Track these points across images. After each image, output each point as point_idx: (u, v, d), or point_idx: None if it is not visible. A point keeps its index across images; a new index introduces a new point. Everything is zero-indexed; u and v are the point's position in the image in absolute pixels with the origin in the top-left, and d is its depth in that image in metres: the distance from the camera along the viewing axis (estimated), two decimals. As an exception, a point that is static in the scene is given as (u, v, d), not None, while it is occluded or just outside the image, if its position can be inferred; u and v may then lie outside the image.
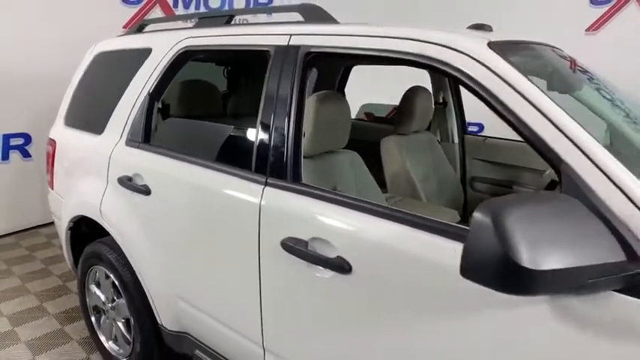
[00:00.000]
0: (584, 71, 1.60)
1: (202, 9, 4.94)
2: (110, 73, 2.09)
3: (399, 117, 2.18)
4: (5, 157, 3.84)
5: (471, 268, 0.73)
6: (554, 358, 0.86)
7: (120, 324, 2.05)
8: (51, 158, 2.34)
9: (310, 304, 1.23)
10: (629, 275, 0.76)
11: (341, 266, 1.12)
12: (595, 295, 0.80)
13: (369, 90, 3.33)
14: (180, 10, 4.83)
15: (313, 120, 1.52)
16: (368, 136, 2.31)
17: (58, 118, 2.38)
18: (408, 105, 2.14)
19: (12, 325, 2.55)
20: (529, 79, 0.97)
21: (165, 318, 1.78)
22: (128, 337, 2.02)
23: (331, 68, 2.91)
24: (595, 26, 4.43)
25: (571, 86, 1.51)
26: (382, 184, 2.21)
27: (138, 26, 2.20)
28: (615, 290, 0.79)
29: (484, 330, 0.94)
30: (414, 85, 2.22)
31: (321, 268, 1.16)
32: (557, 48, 1.65)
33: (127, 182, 1.77)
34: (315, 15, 1.49)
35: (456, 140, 2.46)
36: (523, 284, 0.70)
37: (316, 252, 1.17)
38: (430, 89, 2.38)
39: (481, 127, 5.44)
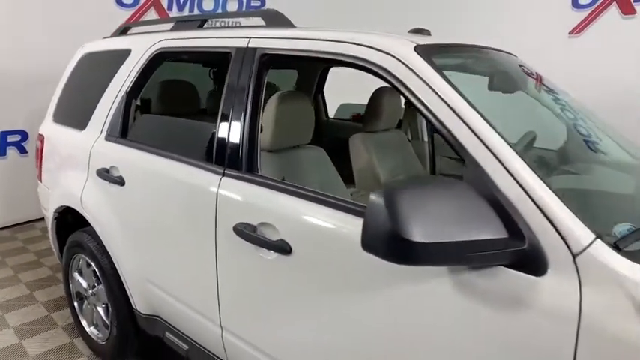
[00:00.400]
0: (529, 74, 1.70)
1: (196, 11, 5.08)
2: (94, 73, 2.21)
3: (367, 115, 2.29)
4: (2, 153, 3.98)
5: (368, 243, 0.84)
6: (457, 326, 0.96)
7: (100, 309, 2.17)
8: (40, 153, 2.47)
9: (258, 284, 1.35)
10: (512, 251, 0.87)
11: (283, 248, 1.23)
12: (488, 270, 0.91)
13: (351, 90, 3.44)
14: (174, 12, 4.96)
15: (274, 117, 1.63)
16: (344, 134, 2.43)
17: (48, 114, 2.51)
18: (376, 104, 2.25)
19: (2, 311, 2.67)
20: (446, 80, 1.08)
21: (139, 302, 1.90)
22: (107, 321, 2.13)
23: (310, 70, 3.03)
24: (578, 29, 4.52)
25: (513, 86, 1.61)
26: (352, 179, 2.32)
27: (122, 29, 2.33)
28: (504, 265, 0.90)
29: (403, 303, 1.05)
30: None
31: (266, 250, 1.28)
32: (504, 51, 1.75)
33: (104, 174, 1.89)
34: (275, 20, 1.61)
35: (426, 139, 2.57)
36: (409, 255, 0.81)
37: (263, 236, 1.28)
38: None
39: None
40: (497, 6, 4.81)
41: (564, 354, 0.82)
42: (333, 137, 2.68)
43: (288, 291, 1.27)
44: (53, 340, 2.41)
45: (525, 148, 1.42)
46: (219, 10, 5.19)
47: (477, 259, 0.86)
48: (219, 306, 1.48)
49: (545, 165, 1.33)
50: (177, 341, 1.79)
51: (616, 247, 0.84)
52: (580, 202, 1.01)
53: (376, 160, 2.24)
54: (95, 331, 2.26)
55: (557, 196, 0.88)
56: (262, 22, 1.65)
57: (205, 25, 1.96)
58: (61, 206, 2.22)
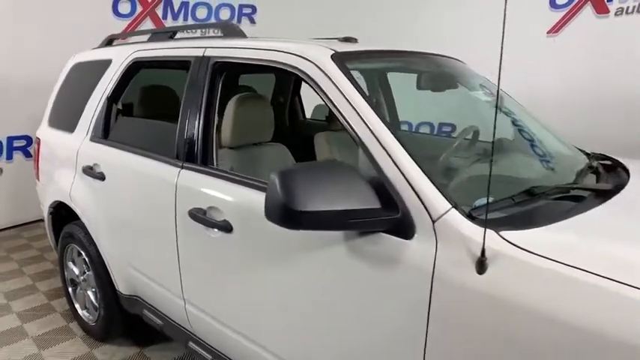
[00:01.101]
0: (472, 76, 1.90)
1: (189, 19, 5.34)
2: (82, 81, 2.45)
3: (330, 115, 2.49)
4: (9, 157, 4.27)
5: (268, 213, 1.05)
6: (352, 281, 1.16)
7: (90, 293, 2.41)
8: (37, 154, 2.73)
9: (208, 259, 1.57)
10: (387, 220, 1.07)
11: (226, 227, 1.45)
12: (372, 236, 1.12)
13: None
14: (169, 21, 5.22)
15: (232, 118, 1.84)
16: (317, 132, 2.63)
17: (44, 119, 2.77)
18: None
19: (7, 299, 2.94)
20: (351, 82, 1.28)
21: (121, 284, 2.13)
22: (96, 304, 2.37)
23: (286, 75, 3.24)
24: (555, 29, 4.66)
25: (442, 86, 1.81)
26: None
27: (107, 40, 2.57)
28: (383, 231, 1.10)
29: (314, 267, 1.25)
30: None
31: (213, 230, 1.50)
32: (446, 55, 1.95)
33: (88, 171, 2.13)
34: (231, 32, 1.83)
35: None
36: (296, 222, 1.01)
37: (211, 218, 1.50)
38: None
39: (453, 127, 5.72)
40: (477, 7, 4.98)
41: (423, 298, 1.01)
42: (308, 136, 2.88)
43: (230, 263, 1.49)
44: (51, 323, 2.66)
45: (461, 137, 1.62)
46: (212, 18, 5.44)
47: (356, 226, 1.06)
48: (181, 281, 1.71)
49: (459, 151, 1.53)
50: (153, 318, 2.02)
51: (470, 215, 1.04)
52: (450, 181, 1.20)
53: (337, 155, 2.43)
54: (86, 314, 2.50)
55: (426, 175, 1.09)
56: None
57: (179, 36, 2.20)
58: (55, 201, 2.46)
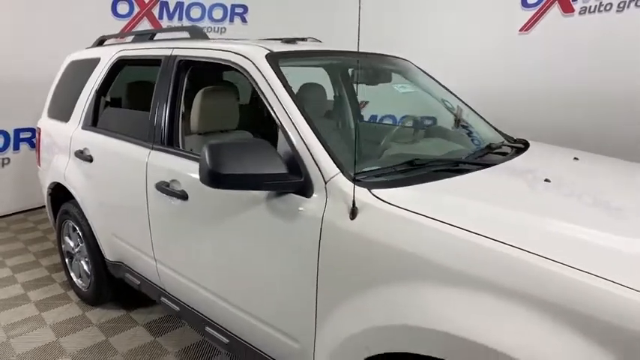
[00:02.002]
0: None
1: (184, 19, 5.67)
2: (76, 77, 2.79)
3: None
4: (16, 147, 4.64)
5: (201, 178, 1.36)
6: (271, 233, 1.48)
7: (83, 263, 2.76)
8: (38, 142, 3.08)
9: (171, 224, 1.90)
10: (293, 182, 1.39)
11: (183, 196, 1.77)
12: (284, 196, 1.43)
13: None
14: (165, 20, 5.56)
15: (199, 108, 2.15)
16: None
17: (44, 110, 3.12)
18: (301, 97, 2.76)
19: (13, 272, 3.30)
20: (279, 77, 1.59)
21: (107, 252, 2.48)
22: (88, 272, 2.72)
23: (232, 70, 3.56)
24: (527, 27, 4.91)
25: (376, 80, 2.12)
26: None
27: (98, 40, 2.90)
28: (292, 192, 1.41)
29: (245, 224, 1.57)
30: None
31: (173, 198, 1.82)
32: (390, 55, 2.28)
33: (79, 154, 2.48)
34: (196, 34, 2.15)
35: (352, 126, 3.06)
36: (219, 182, 1.33)
37: (172, 189, 1.83)
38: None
39: (435, 120, 5.97)
40: (451, 6, 5.25)
41: (315, 239, 1.33)
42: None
43: (187, 226, 1.82)
44: (50, 291, 3.02)
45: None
46: (206, 17, 5.77)
47: (267, 187, 1.39)
48: (152, 244, 2.04)
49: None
50: (133, 279, 2.35)
51: (354, 178, 1.35)
52: (347, 154, 1.51)
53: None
54: (80, 282, 2.85)
55: (324, 148, 1.40)
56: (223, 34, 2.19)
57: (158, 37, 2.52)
58: (53, 182, 2.81)
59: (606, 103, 4.24)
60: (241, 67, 1.68)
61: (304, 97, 2.34)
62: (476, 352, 1.00)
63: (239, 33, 5.88)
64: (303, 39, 2.09)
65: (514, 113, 5.01)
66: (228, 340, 1.78)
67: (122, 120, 2.32)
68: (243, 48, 1.73)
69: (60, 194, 2.87)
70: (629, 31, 4.02)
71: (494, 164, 1.61)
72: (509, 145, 1.96)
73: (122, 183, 2.20)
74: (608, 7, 4.18)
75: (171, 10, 5.58)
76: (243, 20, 5.95)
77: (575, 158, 1.82)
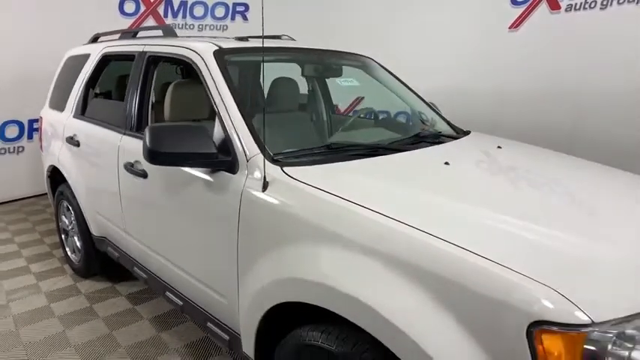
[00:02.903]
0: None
1: (188, 16, 5.96)
2: (71, 71, 3.09)
3: (269, 98, 3.02)
4: (30, 136, 5.02)
5: (143, 155, 1.60)
6: (206, 205, 1.70)
7: (75, 239, 3.06)
8: (40, 129, 3.40)
9: (135, 200, 2.16)
10: (223, 161, 1.61)
11: (143, 174, 2.02)
12: (218, 173, 1.66)
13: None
14: (169, 18, 5.85)
15: (170, 99, 2.40)
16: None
17: (46, 101, 3.43)
18: (274, 91, 2.98)
19: (19, 248, 3.65)
20: (222, 71, 1.81)
21: (93, 228, 2.76)
22: (79, 247, 3.02)
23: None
24: (516, 24, 4.98)
25: (326, 75, 2.32)
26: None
27: (93, 38, 3.19)
28: (222, 170, 1.64)
29: (188, 196, 1.80)
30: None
31: (136, 176, 2.08)
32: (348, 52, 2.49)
33: (70, 140, 2.77)
34: (167, 33, 2.39)
35: (325, 118, 3.26)
36: (157, 159, 1.56)
37: (136, 168, 2.08)
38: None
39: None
40: (436, 4, 5.37)
41: (236, 208, 1.55)
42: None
43: (146, 200, 2.07)
44: (49, 265, 3.35)
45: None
46: (209, 15, 6.04)
47: (199, 164, 1.62)
48: (123, 217, 2.30)
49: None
50: (113, 252, 2.63)
51: (272, 158, 1.56)
52: (273, 139, 1.71)
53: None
54: (74, 256, 3.16)
55: (250, 133, 1.61)
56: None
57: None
58: (50, 165, 3.12)
59: (592, 99, 4.31)
60: (192, 61, 1.92)
61: (275, 90, 2.58)
62: (343, 299, 1.20)
63: (240, 30, 6.11)
64: (277, 37, 2.31)
65: (501, 110, 5.11)
66: (182, 303, 2.03)
67: (104, 109, 2.59)
68: (196, 45, 1.96)
69: (57, 177, 3.18)
70: (611, 28, 4.07)
71: (408, 150, 1.79)
72: (443, 135, 2.14)
73: (101, 164, 2.48)
74: (592, 5, 4.24)
75: (175, 8, 5.87)
76: (245, 18, 6.19)
77: (499, 147, 1.98)
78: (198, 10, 6.00)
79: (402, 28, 5.73)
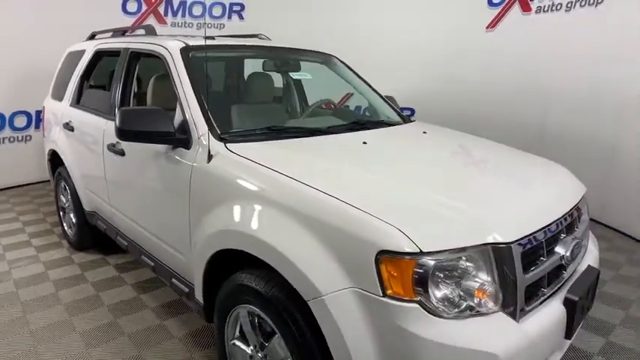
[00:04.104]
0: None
1: (187, 16, 6.31)
2: (70, 65, 3.45)
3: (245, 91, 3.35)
4: (37, 126, 5.41)
5: (115, 133, 1.93)
6: (168, 178, 2.04)
7: (71, 215, 3.43)
8: (43, 118, 3.78)
9: (116, 175, 2.51)
10: (180, 139, 1.94)
11: (122, 153, 2.37)
12: (177, 150, 1.98)
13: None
14: (169, 17, 6.22)
15: (152, 91, 2.74)
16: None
17: (48, 92, 3.81)
18: (250, 84, 3.30)
19: (23, 225, 4.04)
20: (186, 66, 2.14)
21: (85, 204, 3.12)
22: (74, 222, 3.38)
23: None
24: (492, 24, 5.24)
25: (286, 69, 2.64)
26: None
27: (90, 35, 3.55)
28: (180, 146, 1.96)
29: (154, 170, 2.13)
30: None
31: (116, 155, 2.42)
32: (314, 50, 2.83)
33: (66, 125, 3.13)
34: (148, 32, 2.73)
35: (298, 109, 3.58)
36: (123, 136, 1.90)
37: (116, 148, 2.43)
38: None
39: (413, 111, 6.39)
40: (427, 4, 5.64)
41: (188, 177, 1.88)
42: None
43: (125, 175, 2.42)
44: (48, 240, 3.73)
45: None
46: (207, 15, 6.39)
47: (160, 141, 1.95)
48: (108, 192, 2.66)
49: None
50: (101, 224, 2.99)
51: (219, 136, 1.88)
52: (223, 121, 2.03)
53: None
54: (70, 231, 3.53)
55: (203, 116, 1.94)
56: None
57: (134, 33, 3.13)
58: (50, 149, 3.50)
59: (559, 94, 4.55)
60: (163, 56, 2.26)
61: (251, 82, 2.91)
62: (258, 243, 1.52)
63: (236, 29, 6.46)
64: (253, 35, 2.65)
65: (479, 105, 5.38)
66: (153, 263, 2.37)
67: (94, 99, 2.95)
68: (167, 42, 2.30)
69: (56, 160, 3.56)
70: (574, 28, 4.31)
71: (340, 133, 2.11)
72: (384, 122, 2.45)
73: (90, 146, 2.84)
74: (558, 7, 4.49)
75: (175, 8, 6.23)
76: (241, 17, 6.53)
77: (424, 132, 2.29)
78: (197, 9, 6.35)
79: (387, 28, 6.02)
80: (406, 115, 2.89)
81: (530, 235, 1.41)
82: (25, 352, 2.25)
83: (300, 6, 6.31)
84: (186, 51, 2.22)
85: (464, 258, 1.29)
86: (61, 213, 3.66)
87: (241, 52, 2.61)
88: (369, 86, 3.04)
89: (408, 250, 1.23)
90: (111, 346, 2.31)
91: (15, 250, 3.52)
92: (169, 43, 2.28)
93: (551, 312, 1.48)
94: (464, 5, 5.50)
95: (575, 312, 1.52)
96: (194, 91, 2.03)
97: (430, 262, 1.24)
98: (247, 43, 2.63)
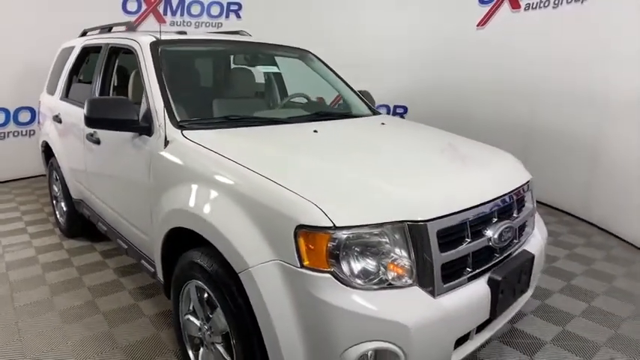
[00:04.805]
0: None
1: (185, 14, 6.48)
2: (62, 61, 3.62)
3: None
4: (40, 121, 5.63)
5: (84, 121, 2.07)
6: (136, 163, 2.16)
7: (62, 204, 3.60)
8: (38, 111, 3.96)
9: (94, 162, 2.66)
10: (143, 127, 2.07)
11: (98, 142, 2.51)
12: (142, 137, 2.11)
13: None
14: (168, 16, 6.39)
15: (132, 83, 2.87)
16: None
17: (44, 87, 3.99)
18: (234, 77, 3.41)
19: (21, 214, 4.24)
20: (155, 59, 2.26)
21: (72, 192, 3.29)
22: (65, 210, 3.55)
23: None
24: (483, 22, 5.26)
25: (255, 63, 2.76)
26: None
27: (82, 32, 3.71)
28: (144, 134, 2.09)
29: (123, 156, 2.27)
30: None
31: (93, 144, 2.56)
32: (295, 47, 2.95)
33: (55, 118, 3.30)
34: (130, 28, 2.87)
35: (271, 103, 3.67)
36: (90, 124, 2.03)
37: (93, 137, 2.57)
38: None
39: (405, 109, 6.44)
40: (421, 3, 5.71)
41: (148, 160, 2.00)
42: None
43: (100, 163, 2.56)
44: (43, 227, 3.91)
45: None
46: (205, 14, 6.56)
47: (124, 129, 2.08)
48: (88, 179, 2.81)
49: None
50: (86, 212, 3.14)
51: (178, 124, 2.00)
52: (186, 111, 2.14)
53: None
54: (61, 219, 3.70)
55: (165, 106, 2.06)
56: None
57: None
58: (43, 141, 3.68)
59: (547, 89, 4.57)
60: (134, 49, 2.39)
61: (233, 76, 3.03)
62: (202, 223, 1.63)
63: (234, 28, 6.61)
64: (236, 32, 2.78)
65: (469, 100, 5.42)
66: (127, 246, 2.50)
67: (79, 92, 3.11)
68: (139, 37, 2.43)
69: (49, 151, 3.73)
70: (561, 24, 4.33)
71: (297, 122, 2.22)
72: (349, 114, 2.55)
73: (73, 136, 3.00)
74: (546, 4, 4.51)
75: (174, 7, 6.40)
76: (238, 16, 6.67)
77: (382, 123, 2.37)
78: (195, 9, 6.51)
79: (381, 27, 6.09)
80: (377, 109, 2.98)
81: (450, 215, 1.49)
82: (7, 326, 2.41)
83: (298, 5, 6.43)
84: (155, 45, 2.35)
85: (379, 233, 1.38)
86: (53, 202, 3.84)
87: (211, 47, 2.73)
88: (343, 81, 3.13)
89: (323, 224, 1.33)
90: (85, 322, 2.45)
91: (10, 236, 3.71)
92: (141, 38, 2.41)
93: (474, 290, 1.56)
94: (456, 4, 5.54)
95: (498, 292, 1.59)
96: (158, 82, 2.16)
97: (343, 235, 1.33)
98: (222, 38, 2.75)
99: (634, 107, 3.62)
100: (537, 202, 5.36)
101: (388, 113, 6.56)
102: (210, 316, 1.72)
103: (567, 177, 4.38)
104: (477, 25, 5.34)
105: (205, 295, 1.74)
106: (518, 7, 4.87)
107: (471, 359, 1.91)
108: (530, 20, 4.73)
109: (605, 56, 3.94)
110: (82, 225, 3.51)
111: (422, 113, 5.97)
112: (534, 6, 4.68)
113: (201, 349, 1.86)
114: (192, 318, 1.87)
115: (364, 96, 3.10)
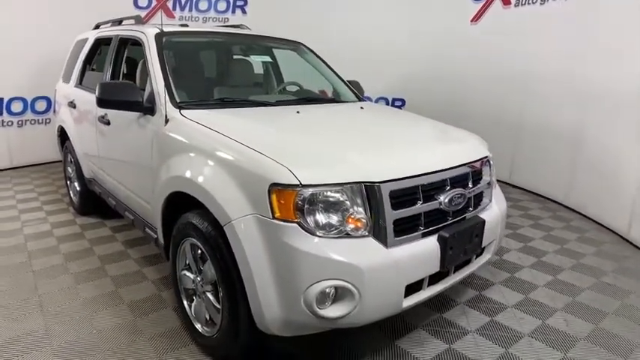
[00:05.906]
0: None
1: (193, 10, 6.77)
2: (77, 51, 3.93)
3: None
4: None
5: (96, 102, 2.35)
6: (141, 141, 2.44)
7: (76, 183, 3.92)
8: (54, 100, 4.28)
9: (105, 142, 2.96)
10: (151, 107, 2.35)
11: (108, 123, 2.80)
12: (147, 116, 2.39)
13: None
14: (177, 11, 6.68)
15: (140, 72, 3.15)
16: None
17: (60, 76, 4.31)
18: (230, 65, 3.69)
19: (38, 195, 4.57)
20: (158, 48, 2.54)
21: (85, 171, 3.60)
22: (78, 189, 3.86)
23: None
24: (476, 17, 5.46)
25: (247, 54, 3.03)
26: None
27: (95, 26, 4.01)
28: (148, 114, 2.37)
29: (131, 135, 2.55)
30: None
31: (104, 125, 2.86)
32: (286, 39, 3.21)
33: (70, 104, 3.61)
34: (137, 21, 3.16)
35: (266, 89, 3.92)
36: (101, 103, 2.32)
37: (105, 119, 2.86)
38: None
39: (403, 102, 6.67)
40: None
41: (152, 137, 2.28)
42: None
43: (111, 142, 2.85)
44: (58, 206, 4.24)
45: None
46: (212, 9, 6.84)
47: (130, 109, 2.36)
48: (99, 158, 3.10)
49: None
50: (97, 189, 3.44)
51: (177, 104, 2.28)
52: (185, 93, 2.42)
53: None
54: (75, 198, 4.02)
55: (166, 89, 2.34)
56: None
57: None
58: (59, 126, 3.99)
59: (537, 82, 4.76)
60: (141, 40, 2.67)
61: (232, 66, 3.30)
62: (194, 186, 1.91)
63: (238, 23, 6.88)
64: (237, 26, 3.06)
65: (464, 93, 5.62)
66: (133, 217, 2.79)
67: (92, 79, 3.41)
68: (145, 29, 2.71)
69: (64, 136, 4.05)
70: (549, 20, 4.52)
71: (285, 105, 2.48)
72: (334, 100, 2.81)
73: (86, 119, 3.31)
74: (534, 0, 4.70)
75: (182, 3, 6.70)
76: (244, 12, 6.95)
77: (361, 107, 2.63)
78: (203, 4, 6.80)
79: (378, 24, 6.31)
80: (364, 98, 3.23)
81: (402, 179, 1.75)
82: (27, 285, 2.72)
83: (302, 2, 6.67)
84: (159, 36, 2.63)
85: (339, 191, 1.64)
86: (67, 183, 4.16)
87: (210, 38, 3.01)
88: (332, 70, 3.38)
89: (291, 182, 1.59)
90: (95, 284, 2.76)
91: (28, 213, 4.04)
92: (147, 30, 2.69)
93: (425, 244, 1.81)
94: (450, 0, 5.74)
95: (447, 247, 1.84)
96: (161, 67, 2.44)
97: (307, 192, 1.60)
98: (220, 31, 3.03)
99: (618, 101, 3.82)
100: (524, 189, 5.58)
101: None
102: (202, 268, 2.00)
103: (552, 166, 4.58)
104: (471, 21, 5.54)
105: (199, 251, 2.02)
106: (509, 2, 5.06)
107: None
108: (520, 16, 4.91)
109: (586, 52, 4.12)
110: (93, 204, 3.82)
111: (418, 106, 6.19)
112: (524, 2, 4.87)
113: (195, 300, 2.14)
114: (187, 273, 2.15)
115: (353, 85, 3.35)
